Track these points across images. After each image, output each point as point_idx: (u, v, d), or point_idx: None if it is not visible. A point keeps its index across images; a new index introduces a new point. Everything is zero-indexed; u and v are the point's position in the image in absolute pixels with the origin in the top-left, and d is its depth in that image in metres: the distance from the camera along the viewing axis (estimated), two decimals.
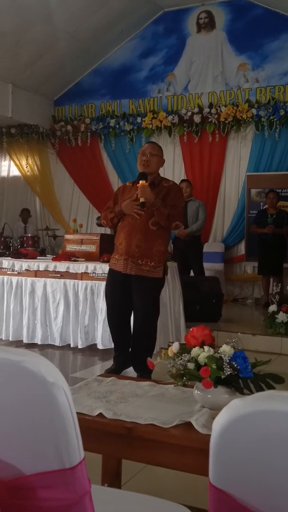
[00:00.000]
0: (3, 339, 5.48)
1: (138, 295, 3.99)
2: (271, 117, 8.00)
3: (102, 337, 5.05)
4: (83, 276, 5.17)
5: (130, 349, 4.17)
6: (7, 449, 0.91)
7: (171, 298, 5.26)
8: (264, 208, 7.61)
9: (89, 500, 0.94)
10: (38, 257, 5.91)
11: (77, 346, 5.17)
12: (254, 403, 0.78)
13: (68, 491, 0.90)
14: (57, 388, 0.87)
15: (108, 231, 6.22)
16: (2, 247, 6.54)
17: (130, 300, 4.05)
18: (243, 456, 0.79)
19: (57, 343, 5.24)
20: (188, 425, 1.65)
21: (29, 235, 7.23)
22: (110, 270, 4.13)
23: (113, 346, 4.39)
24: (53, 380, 0.87)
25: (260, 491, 0.80)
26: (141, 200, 3.77)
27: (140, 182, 3.81)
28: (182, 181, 7.34)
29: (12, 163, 10.16)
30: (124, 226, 4.01)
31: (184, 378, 1.76)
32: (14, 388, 0.88)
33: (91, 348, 5.19)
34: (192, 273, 7.07)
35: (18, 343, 5.41)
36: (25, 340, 5.37)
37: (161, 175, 4.20)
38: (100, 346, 5.07)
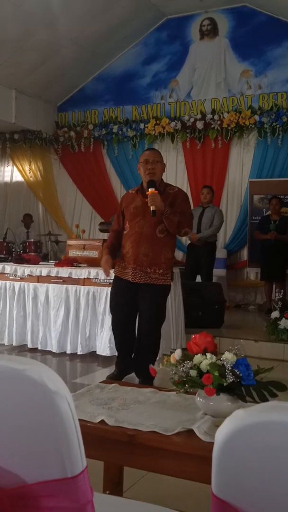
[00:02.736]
0: (6, 344, 5.49)
1: (145, 302, 3.97)
2: (274, 124, 8.02)
3: (103, 343, 5.04)
4: (85, 281, 5.17)
5: (132, 355, 4.16)
6: (9, 457, 0.91)
7: (174, 304, 5.26)
8: (267, 214, 7.62)
9: (91, 509, 0.93)
10: (40, 263, 5.91)
11: (78, 352, 5.16)
12: (257, 413, 0.78)
13: (70, 500, 0.90)
14: (59, 396, 0.87)
15: None
16: (4, 253, 6.53)
17: (135, 306, 4.04)
18: (246, 467, 0.79)
19: (59, 349, 5.23)
20: (190, 432, 1.65)
21: (32, 240, 7.22)
22: (116, 277, 4.10)
23: (113, 353, 4.36)
24: (55, 388, 0.87)
25: (263, 503, 0.79)
26: (152, 208, 3.77)
27: (150, 190, 3.79)
28: (204, 187, 7.32)
29: (15, 168, 10.19)
30: (131, 235, 3.98)
31: (186, 385, 1.76)
32: (17, 397, 0.88)
33: (91, 354, 5.18)
34: (199, 279, 7.02)
35: (22, 348, 5.42)
36: (29, 345, 5.37)
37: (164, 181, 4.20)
38: (100, 352, 5.06)
